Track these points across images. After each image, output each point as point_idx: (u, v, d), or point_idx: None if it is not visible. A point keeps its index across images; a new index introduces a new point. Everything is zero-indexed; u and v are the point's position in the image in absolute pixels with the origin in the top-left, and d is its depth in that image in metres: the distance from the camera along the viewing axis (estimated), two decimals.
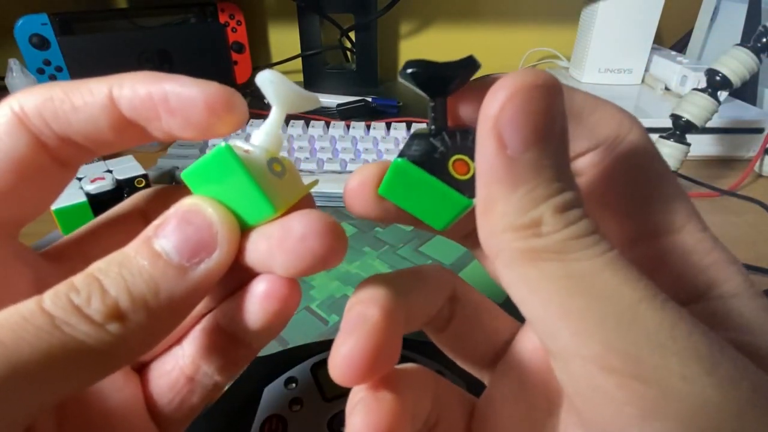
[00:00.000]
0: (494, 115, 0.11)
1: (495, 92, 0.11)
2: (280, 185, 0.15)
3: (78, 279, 0.12)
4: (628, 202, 0.14)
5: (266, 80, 0.14)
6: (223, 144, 0.14)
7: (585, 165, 0.14)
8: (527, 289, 0.11)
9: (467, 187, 0.13)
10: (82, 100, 0.14)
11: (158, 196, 0.19)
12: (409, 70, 0.13)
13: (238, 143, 0.15)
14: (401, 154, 0.14)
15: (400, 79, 0.13)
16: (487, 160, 0.11)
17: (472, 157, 0.13)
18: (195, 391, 0.17)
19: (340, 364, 0.13)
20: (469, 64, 0.13)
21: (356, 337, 0.13)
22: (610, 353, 0.10)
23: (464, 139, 0.14)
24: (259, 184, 0.13)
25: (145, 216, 0.18)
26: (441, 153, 0.14)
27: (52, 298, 0.12)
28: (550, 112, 0.11)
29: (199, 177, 0.14)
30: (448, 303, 0.17)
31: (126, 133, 0.15)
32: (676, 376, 0.10)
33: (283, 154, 0.16)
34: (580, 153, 0.14)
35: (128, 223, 0.18)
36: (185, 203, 0.14)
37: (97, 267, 0.12)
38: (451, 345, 0.18)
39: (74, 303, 0.12)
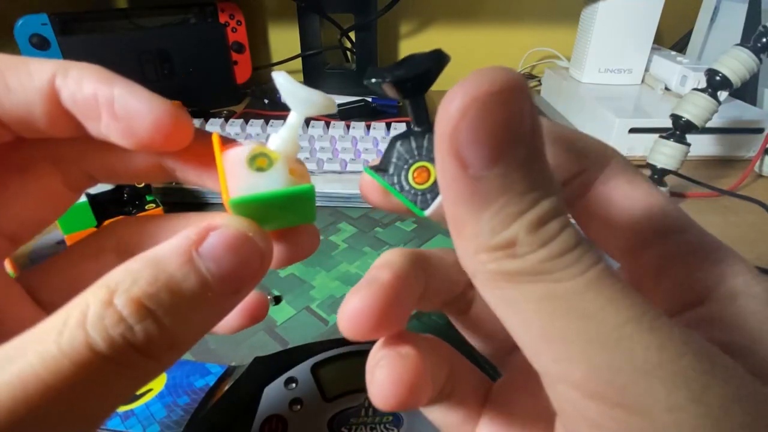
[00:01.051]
0: (449, 134, 0.10)
1: (447, 106, 0.10)
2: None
3: (127, 311, 0.11)
4: (629, 214, 0.14)
5: (279, 85, 0.14)
6: (308, 183, 0.14)
7: (575, 187, 0.14)
8: (507, 310, 0.11)
9: (424, 197, 0.13)
10: (18, 82, 0.13)
11: (129, 227, 0.18)
12: (374, 80, 0.12)
13: (254, 148, 0.14)
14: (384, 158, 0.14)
15: (366, 83, 0.13)
16: (448, 182, 0.10)
17: (432, 161, 0.13)
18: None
19: (346, 316, 0.13)
20: (437, 57, 0.12)
21: (364, 292, 0.13)
22: (595, 380, 0.10)
23: (427, 143, 0.13)
24: (312, 204, 0.15)
25: (117, 249, 0.18)
26: (403, 160, 0.13)
27: (106, 341, 0.11)
28: (513, 119, 0.10)
29: (258, 203, 0.13)
30: (471, 286, 0.17)
31: (61, 125, 0.15)
32: (662, 405, 0.09)
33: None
34: (575, 175, 0.14)
35: (100, 258, 0.17)
36: (231, 225, 0.13)
37: (143, 292, 0.11)
38: (471, 329, 0.18)
39: (133, 343, 0.11)
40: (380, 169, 0.14)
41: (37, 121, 0.14)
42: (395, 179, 0.13)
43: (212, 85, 0.72)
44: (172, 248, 0.12)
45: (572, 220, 0.14)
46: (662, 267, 0.13)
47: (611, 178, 0.14)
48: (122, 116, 0.14)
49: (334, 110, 0.16)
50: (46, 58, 0.14)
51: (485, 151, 0.10)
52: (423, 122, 0.13)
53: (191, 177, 0.17)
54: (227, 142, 0.15)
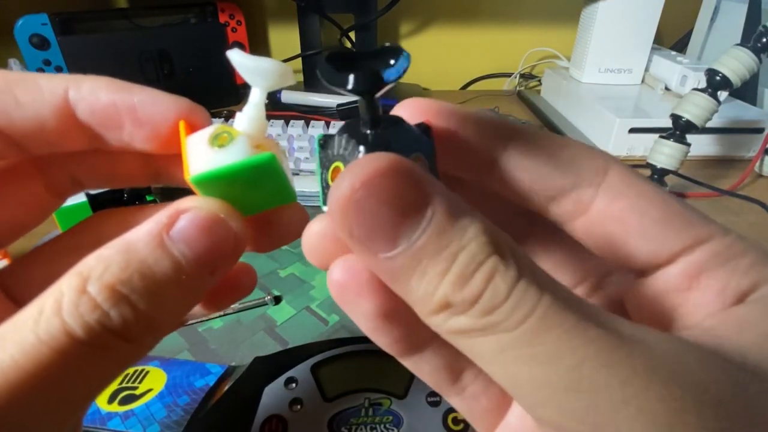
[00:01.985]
0: (344, 233, 0.10)
1: (331, 208, 0.10)
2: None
3: (101, 297, 0.11)
4: (647, 230, 0.13)
5: (234, 62, 0.14)
6: (267, 152, 0.13)
7: (572, 203, 0.13)
8: (478, 361, 0.11)
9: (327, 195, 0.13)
10: (29, 98, 0.13)
11: (108, 221, 0.17)
12: (327, 74, 0.12)
13: (218, 127, 0.14)
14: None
15: (320, 77, 0.12)
16: (369, 266, 0.11)
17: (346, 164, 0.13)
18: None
19: (306, 239, 0.13)
20: (389, 51, 0.12)
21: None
22: (568, 420, 0.10)
23: (352, 147, 0.13)
24: (288, 180, 0.14)
25: (97, 244, 0.17)
26: (332, 153, 0.13)
27: (82, 327, 0.11)
28: (394, 198, 0.10)
29: (215, 180, 0.13)
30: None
31: (75, 138, 0.14)
32: None
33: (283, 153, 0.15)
34: (563, 190, 0.13)
35: (78, 254, 0.17)
36: (202, 206, 0.13)
37: (115, 278, 0.12)
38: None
39: (109, 327, 0.11)
40: (324, 147, 0.13)
41: (49, 136, 0.14)
42: (323, 164, 0.13)
43: (212, 85, 0.72)
44: (143, 233, 0.12)
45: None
46: (693, 278, 0.12)
47: (617, 194, 0.13)
48: (146, 121, 0.14)
49: (292, 81, 0.15)
50: (56, 74, 0.14)
51: (381, 238, 0.10)
52: (369, 123, 0.12)
53: (179, 175, 0.16)
54: (194, 127, 0.14)
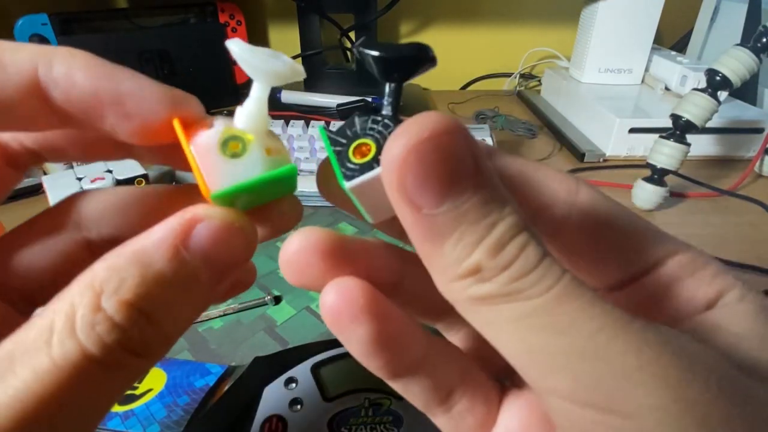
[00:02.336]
0: (396, 183, 0.10)
1: (388, 157, 0.10)
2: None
3: (119, 316, 0.11)
4: (611, 246, 0.14)
5: (234, 54, 0.13)
6: (287, 164, 0.13)
7: (549, 221, 0.14)
8: (491, 331, 0.11)
9: (353, 171, 0.12)
10: None
11: (87, 201, 0.16)
12: (374, 53, 0.12)
13: (220, 126, 0.13)
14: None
15: (357, 55, 0.12)
16: (406, 222, 0.11)
17: (376, 141, 0.13)
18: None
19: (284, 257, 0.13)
20: (427, 54, 0.12)
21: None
22: (581, 389, 0.10)
23: (381, 126, 0.13)
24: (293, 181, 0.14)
25: (77, 226, 0.16)
26: (353, 132, 0.13)
27: (99, 347, 0.11)
28: (451, 159, 0.10)
29: (240, 192, 0.13)
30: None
31: (45, 120, 0.13)
32: (646, 407, 0.10)
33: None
34: (539, 208, 0.13)
35: (57, 236, 0.16)
36: (217, 216, 0.13)
37: (134, 294, 0.11)
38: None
39: (128, 347, 0.11)
40: (333, 134, 0.13)
41: (15, 119, 0.13)
42: (337, 145, 0.13)
43: (212, 85, 0.72)
44: (157, 241, 0.12)
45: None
46: (668, 288, 0.13)
47: (589, 213, 0.13)
48: (134, 115, 0.13)
49: (300, 76, 0.14)
50: (22, 43, 0.12)
51: (431, 193, 0.10)
52: (390, 108, 0.13)
53: (156, 158, 0.16)
54: (189, 123, 0.13)
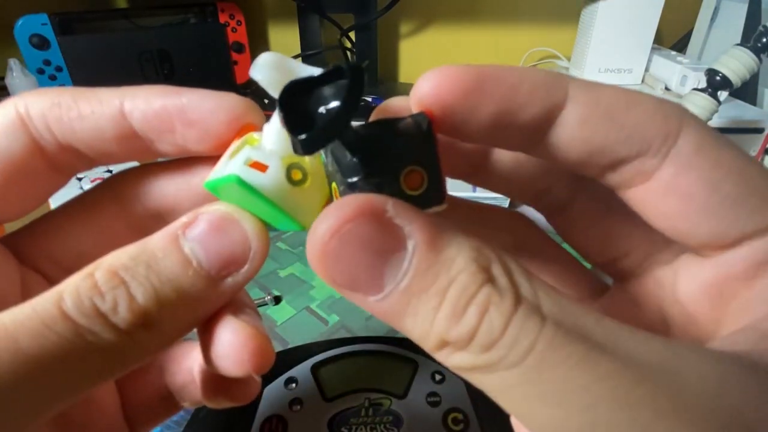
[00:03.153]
0: (330, 282, 0.10)
1: (311, 259, 0.10)
2: (302, 195, 0.13)
3: (101, 279, 0.11)
4: (706, 211, 0.11)
5: (265, 66, 0.12)
6: (233, 172, 0.12)
7: (633, 173, 0.12)
8: (495, 398, 0.10)
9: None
10: (90, 109, 0.14)
11: (134, 179, 0.17)
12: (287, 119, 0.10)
13: (250, 150, 0.13)
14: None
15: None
16: (365, 308, 0.11)
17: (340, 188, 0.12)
18: (168, 409, 0.18)
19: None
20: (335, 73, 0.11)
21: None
22: None
23: (335, 167, 0.12)
24: (281, 206, 0.13)
25: (121, 204, 0.16)
26: (327, 171, 0.13)
27: (74, 302, 0.11)
28: (366, 244, 0.10)
29: (220, 190, 0.14)
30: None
31: (131, 147, 0.15)
32: None
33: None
34: (624, 160, 0.11)
35: (101, 217, 0.16)
36: (219, 209, 0.13)
37: (121, 263, 0.12)
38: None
39: (100, 309, 0.11)
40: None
41: (108, 146, 0.14)
42: (327, 175, 0.13)
43: (212, 85, 0.71)
44: (163, 231, 0.13)
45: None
46: (759, 267, 0.11)
47: (686, 164, 0.11)
48: (197, 120, 0.14)
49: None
50: (114, 88, 0.14)
51: (364, 283, 0.10)
52: (353, 152, 0.11)
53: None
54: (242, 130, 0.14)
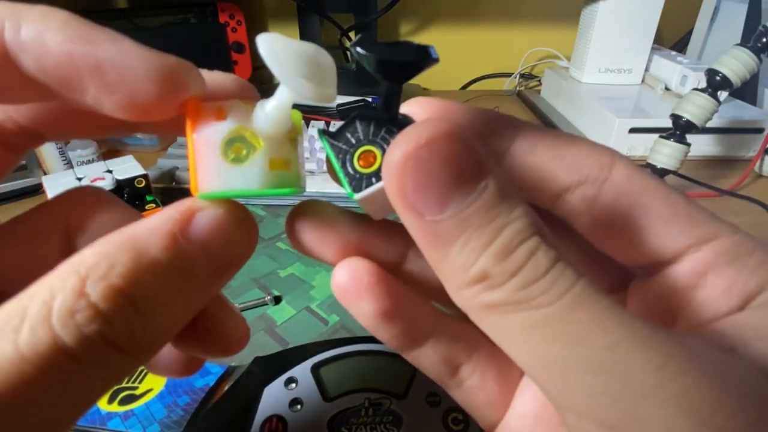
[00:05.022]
0: (396, 189, 0.10)
1: (388, 165, 0.10)
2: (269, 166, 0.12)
3: (105, 304, 0.10)
4: (652, 226, 0.12)
5: (265, 48, 0.11)
6: (290, 186, 0.12)
7: (578, 200, 0.13)
8: (503, 340, 0.11)
9: (359, 181, 0.12)
10: None
11: (76, 204, 0.15)
12: (367, 54, 0.11)
13: (232, 123, 0.12)
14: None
15: (354, 54, 0.11)
16: (411, 229, 0.11)
17: (382, 150, 0.13)
18: None
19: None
20: (427, 54, 0.12)
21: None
22: (597, 406, 0.10)
23: (385, 131, 0.13)
24: (266, 190, 0.12)
25: (65, 225, 0.15)
26: (356, 139, 0.13)
27: (80, 341, 0.09)
28: (453, 162, 0.10)
29: (233, 197, 0.12)
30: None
31: (20, 92, 0.12)
32: (666, 431, 0.09)
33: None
34: (567, 187, 0.13)
35: (40, 246, 0.14)
36: (225, 208, 0.12)
37: (125, 280, 0.10)
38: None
39: (112, 342, 0.10)
40: (333, 136, 0.13)
41: None
42: (341, 153, 0.13)
43: None
44: (153, 229, 0.11)
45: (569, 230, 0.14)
46: (700, 276, 0.12)
47: (621, 191, 0.12)
48: (117, 84, 0.10)
49: (333, 100, 0.12)
50: None
51: (432, 199, 0.10)
52: (390, 110, 0.13)
53: (163, 130, 0.15)
54: (198, 108, 0.12)
